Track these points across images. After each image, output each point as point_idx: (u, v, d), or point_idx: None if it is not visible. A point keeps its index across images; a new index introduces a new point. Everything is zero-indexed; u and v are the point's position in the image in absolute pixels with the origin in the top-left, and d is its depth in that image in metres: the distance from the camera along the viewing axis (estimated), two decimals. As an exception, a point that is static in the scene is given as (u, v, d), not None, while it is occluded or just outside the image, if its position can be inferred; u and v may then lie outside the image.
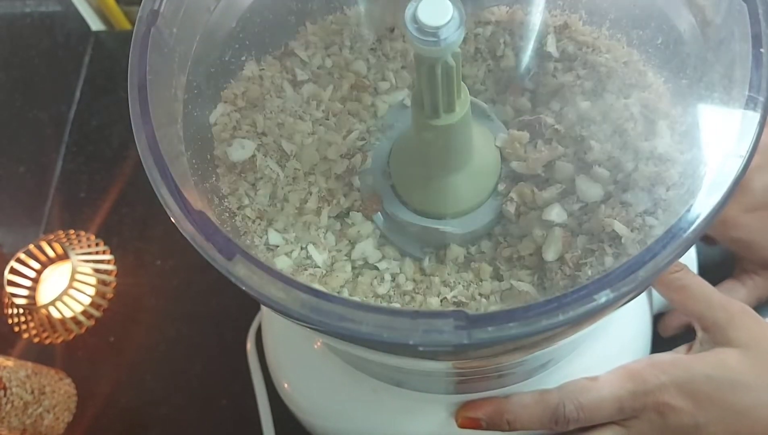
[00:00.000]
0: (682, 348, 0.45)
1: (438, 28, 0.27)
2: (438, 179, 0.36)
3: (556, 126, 0.36)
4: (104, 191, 0.74)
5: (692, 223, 0.27)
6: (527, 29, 0.39)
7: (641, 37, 0.36)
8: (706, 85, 0.32)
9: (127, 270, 0.70)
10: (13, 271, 0.65)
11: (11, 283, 0.65)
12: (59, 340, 0.66)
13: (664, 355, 0.45)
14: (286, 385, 0.49)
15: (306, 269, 0.35)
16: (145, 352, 0.66)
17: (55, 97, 0.79)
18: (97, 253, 0.69)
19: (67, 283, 0.64)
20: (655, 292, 0.48)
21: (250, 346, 0.60)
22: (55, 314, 0.64)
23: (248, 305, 0.61)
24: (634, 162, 0.33)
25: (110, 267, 0.69)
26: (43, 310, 0.64)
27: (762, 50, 0.29)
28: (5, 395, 0.56)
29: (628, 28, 0.37)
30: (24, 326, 0.65)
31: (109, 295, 0.68)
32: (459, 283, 0.35)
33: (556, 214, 0.34)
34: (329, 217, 0.37)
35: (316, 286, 0.34)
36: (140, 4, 0.32)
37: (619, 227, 0.32)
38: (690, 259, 0.52)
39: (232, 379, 0.62)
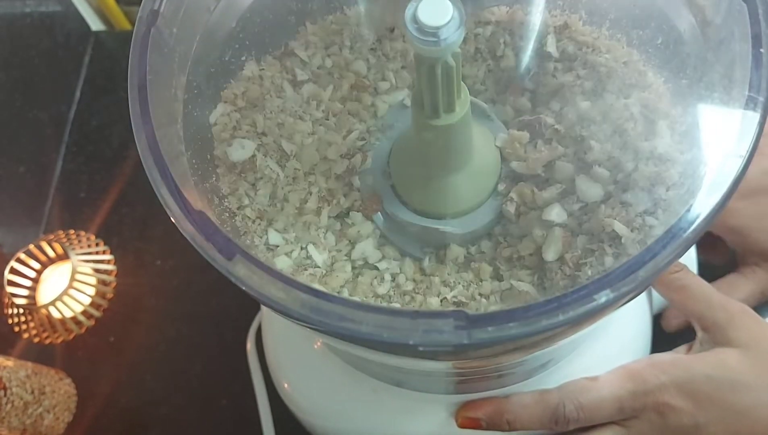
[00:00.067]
0: (682, 348, 0.45)
1: (438, 28, 0.27)
2: (438, 179, 0.36)
3: (556, 126, 0.36)
4: (104, 191, 0.74)
5: (692, 223, 0.27)
6: (527, 29, 0.39)
7: (641, 37, 0.36)
8: (706, 85, 0.32)
9: (127, 270, 0.70)
10: (13, 271, 0.65)
11: (11, 283, 0.65)
12: (59, 340, 0.66)
13: (664, 355, 0.45)
14: (286, 385, 0.49)
15: (306, 269, 0.35)
16: (145, 352, 0.66)
17: (55, 97, 0.79)
18: (97, 253, 0.69)
19: (67, 283, 0.64)
20: (655, 292, 0.48)
21: (250, 346, 0.60)
22: (55, 314, 0.64)
23: (248, 305, 0.61)
24: (634, 162, 0.33)
25: (110, 267, 0.69)
26: (43, 310, 0.64)
27: (762, 50, 0.29)
28: (5, 395, 0.56)
29: (628, 28, 0.37)
30: (24, 326, 0.65)
31: (109, 295, 0.68)
32: (459, 283, 0.35)
33: (556, 214, 0.34)
34: (329, 217, 0.37)
35: (316, 286, 0.34)
36: (140, 4, 0.32)
37: (619, 227, 0.32)
38: (690, 259, 0.52)
39: (232, 379, 0.62)
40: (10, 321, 0.66)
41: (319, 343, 0.46)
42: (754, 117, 0.28)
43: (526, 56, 0.39)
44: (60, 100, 0.79)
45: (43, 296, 0.66)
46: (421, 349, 0.25)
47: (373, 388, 0.44)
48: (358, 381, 0.45)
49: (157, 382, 0.65)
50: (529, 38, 0.39)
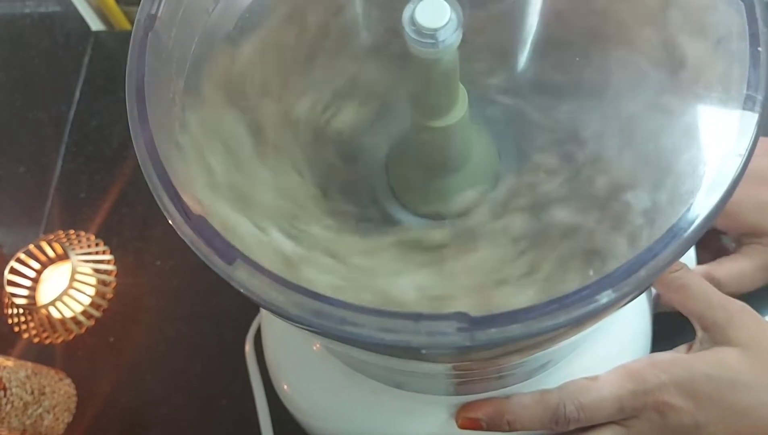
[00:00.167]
0: (682, 348, 0.45)
1: (436, 30, 0.27)
2: (437, 180, 0.36)
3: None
4: (104, 191, 0.74)
5: (692, 222, 0.27)
6: (526, 29, 0.39)
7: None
8: (704, 85, 0.32)
9: (127, 270, 0.70)
10: (13, 271, 0.65)
11: (11, 283, 0.65)
12: (59, 340, 0.66)
13: (664, 354, 0.45)
14: (285, 387, 0.49)
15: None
16: (145, 352, 0.66)
17: (55, 97, 0.79)
18: (97, 253, 0.69)
19: (67, 283, 0.64)
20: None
21: (249, 348, 0.60)
22: (55, 314, 0.64)
23: (248, 305, 0.61)
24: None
25: (110, 267, 0.69)
26: (43, 310, 0.64)
27: (760, 49, 0.29)
28: (5, 395, 0.56)
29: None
30: (24, 326, 0.65)
31: (109, 295, 0.68)
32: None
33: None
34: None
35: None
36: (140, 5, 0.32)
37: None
38: (690, 259, 0.52)
39: (231, 380, 0.62)
40: (9, 321, 0.66)
41: (318, 345, 0.46)
42: (753, 116, 0.28)
43: (525, 55, 0.39)
44: (60, 100, 0.79)
45: (43, 296, 0.66)
46: (423, 351, 0.25)
47: (373, 389, 0.44)
48: (358, 382, 0.45)
49: (157, 382, 0.65)
50: (527, 39, 0.39)
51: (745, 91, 0.29)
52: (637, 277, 0.26)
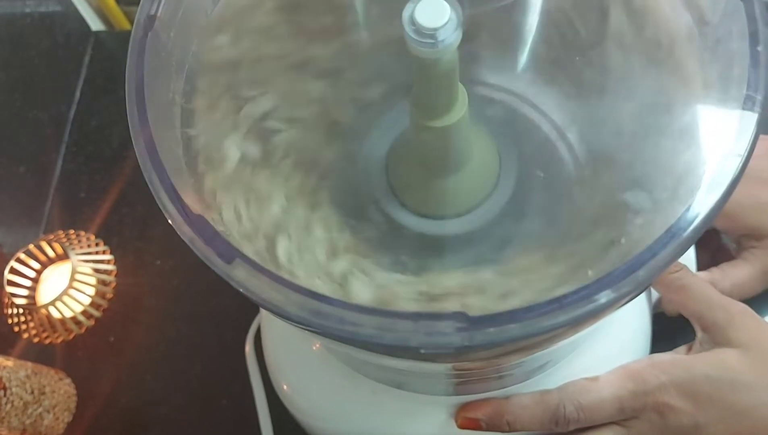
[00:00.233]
0: (682, 348, 0.45)
1: (436, 29, 0.27)
2: (437, 180, 0.36)
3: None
4: (104, 191, 0.74)
5: (692, 222, 0.27)
6: (524, 28, 0.39)
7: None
8: (703, 84, 0.32)
9: (127, 270, 0.70)
10: (13, 271, 0.65)
11: (11, 283, 0.65)
12: (59, 340, 0.66)
13: (664, 355, 0.45)
14: (285, 387, 0.49)
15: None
16: (145, 352, 0.66)
17: (55, 97, 0.79)
18: (97, 253, 0.69)
19: (67, 283, 0.64)
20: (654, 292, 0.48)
21: (249, 348, 0.60)
22: (55, 314, 0.64)
23: (248, 305, 0.61)
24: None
25: (110, 267, 0.69)
26: (43, 310, 0.64)
27: (759, 48, 0.29)
28: (5, 395, 0.56)
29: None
30: (24, 326, 0.65)
31: (109, 295, 0.68)
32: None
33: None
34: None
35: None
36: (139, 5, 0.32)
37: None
38: (690, 259, 0.52)
39: (231, 380, 0.62)
40: (9, 321, 0.66)
41: (318, 345, 0.46)
42: (752, 116, 0.28)
43: (524, 55, 0.39)
44: (60, 100, 0.79)
45: (43, 296, 0.66)
46: (422, 351, 0.25)
47: (373, 389, 0.44)
48: (358, 382, 0.45)
49: (157, 382, 0.65)
50: (526, 38, 0.39)
51: (744, 91, 0.28)
52: (636, 277, 0.26)
